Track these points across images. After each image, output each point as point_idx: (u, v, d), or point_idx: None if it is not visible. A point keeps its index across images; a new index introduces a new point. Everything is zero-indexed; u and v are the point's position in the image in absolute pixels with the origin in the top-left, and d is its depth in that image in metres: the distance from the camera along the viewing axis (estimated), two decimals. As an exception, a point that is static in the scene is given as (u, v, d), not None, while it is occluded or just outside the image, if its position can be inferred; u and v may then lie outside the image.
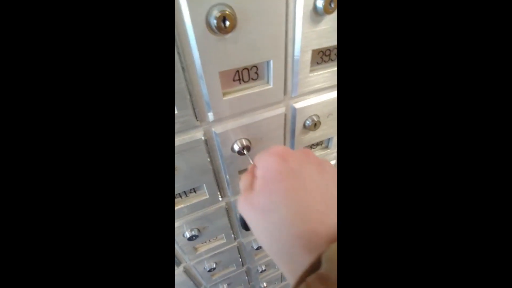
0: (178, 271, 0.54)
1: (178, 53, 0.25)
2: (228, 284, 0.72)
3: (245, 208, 0.24)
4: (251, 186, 0.24)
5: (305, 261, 0.18)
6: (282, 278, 0.91)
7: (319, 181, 0.23)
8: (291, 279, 0.20)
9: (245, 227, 0.33)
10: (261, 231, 0.22)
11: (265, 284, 0.87)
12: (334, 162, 0.50)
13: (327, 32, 0.30)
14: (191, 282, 0.60)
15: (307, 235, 0.19)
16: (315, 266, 0.17)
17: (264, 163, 0.24)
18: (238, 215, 0.33)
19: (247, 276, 0.74)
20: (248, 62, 0.28)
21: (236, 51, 0.27)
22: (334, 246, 0.17)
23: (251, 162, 0.31)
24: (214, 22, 0.23)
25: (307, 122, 0.39)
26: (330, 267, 0.16)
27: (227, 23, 0.23)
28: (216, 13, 0.23)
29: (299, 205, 0.21)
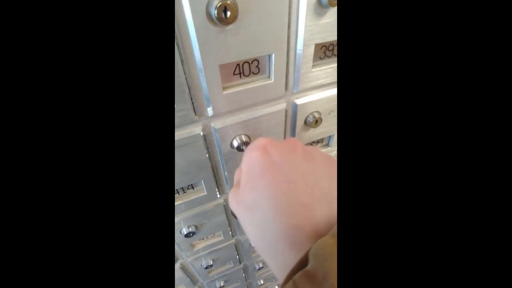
0: (175, 267, 0.54)
1: (177, 44, 0.24)
2: (225, 281, 0.72)
3: (233, 205, 0.23)
4: (239, 182, 0.24)
5: (291, 259, 0.18)
6: (279, 275, 0.90)
7: (305, 171, 0.21)
8: (280, 277, 0.19)
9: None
10: (248, 229, 0.22)
11: (262, 282, 0.87)
12: (334, 160, 0.49)
13: (330, 25, 0.29)
14: (188, 279, 0.60)
15: (291, 232, 0.19)
16: (303, 263, 0.16)
17: (247, 158, 0.23)
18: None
19: (244, 273, 0.74)
20: (249, 55, 0.27)
21: (237, 44, 0.26)
22: (320, 242, 0.16)
23: None
24: (214, 12, 0.22)
25: (308, 118, 0.38)
26: (316, 264, 0.15)
27: (228, 13, 0.22)
28: (216, 2, 0.22)
29: (282, 200, 0.20)
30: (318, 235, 0.18)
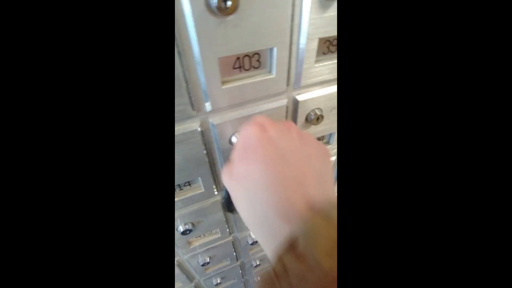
0: (171, 264, 0.53)
1: (175, 36, 0.23)
2: (222, 278, 0.71)
3: (225, 179, 0.24)
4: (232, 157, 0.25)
5: (281, 229, 0.18)
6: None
7: (299, 152, 0.22)
8: (270, 253, 0.19)
9: (228, 207, 0.32)
10: (240, 201, 0.22)
11: (258, 278, 0.86)
12: (334, 158, 0.49)
13: (335, 19, 0.28)
14: (184, 276, 0.59)
15: (281, 203, 0.19)
16: (292, 240, 0.17)
17: (243, 133, 0.24)
18: (222, 194, 0.33)
19: (241, 270, 0.74)
20: (250, 49, 0.26)
21: (238, 36, 0.24)
22: (312, 222, 0.17)
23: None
24: (214, 1, 0.21)
25: (310, 115, 0.37)
26: (306, 243, 0.16)
27: (229, 3, 0.21)
28: (216, -9, 0.20)
29: (274, 172, 0.20)
30: (308, 210, 0.18)
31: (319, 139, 0.45)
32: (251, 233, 0.22)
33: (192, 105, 0.28)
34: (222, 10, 0.21)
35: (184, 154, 0.32)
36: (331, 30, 0.29)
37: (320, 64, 0.32)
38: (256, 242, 0.59)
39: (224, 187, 0.31)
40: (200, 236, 0.51)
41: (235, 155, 0.24)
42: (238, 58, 0.27)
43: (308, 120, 0.37)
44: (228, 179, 0.23)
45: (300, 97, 0.34)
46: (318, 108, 0.37)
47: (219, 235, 0.52)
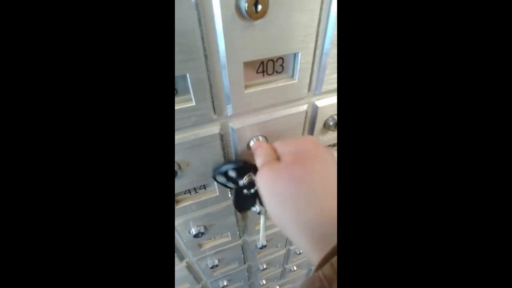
0: (181, 266, 0.53)
1: (202, 38, 0.22)
2: (228, 281, 0.71)
3: (268, 177, 0.24)
4: (275, 159, 0.26)
5: (331, 231, 0.19)
6: (281, 276, 0.90)
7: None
8: (316, 256, 0.20)
9: (241, 206, 0.33)
10: (282, 201, 0.23)
11: (264, 282, 0.86)
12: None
13: (361, 25, 0.27)
14: (192, 276, 0.59)
15: (334, 209, 0.21)
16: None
17: (296, 142, 0.26)
18: (232, 195, 0.32)
19: (247, 273, 0.73)
20: (275, 53, 0.26)
21: (264, 40, 0.24)
22: None
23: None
24: (245, 5, 0.20)
25: (328, 121, 0.36)
26: None
27: (259, 7, 0.21)
28: (248, -5, 0.20)
29: (329, 182, 0.23)
30: None
31: (334, 145, 0.45)
32: (284, 231, 0.23)
33: (214, 109, 0.28)
34: (252, 14, 0.21)
35: (202, 158, 0.31)
36: (357, 36, 0.28)
37: (342, 70, 0.31)
38: (265, 246, 0.58)
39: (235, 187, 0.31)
40: (210, 239, 0.51)
41: (288, 157, 0.25)
42: (262, 62, 0.27)
43: (326, 126, 0.37)
44: (275, 177, 0.24)
45: (319, 103, 0.34)
46: (337, 114, 0.36)
47: (229, 238, 0.51)
